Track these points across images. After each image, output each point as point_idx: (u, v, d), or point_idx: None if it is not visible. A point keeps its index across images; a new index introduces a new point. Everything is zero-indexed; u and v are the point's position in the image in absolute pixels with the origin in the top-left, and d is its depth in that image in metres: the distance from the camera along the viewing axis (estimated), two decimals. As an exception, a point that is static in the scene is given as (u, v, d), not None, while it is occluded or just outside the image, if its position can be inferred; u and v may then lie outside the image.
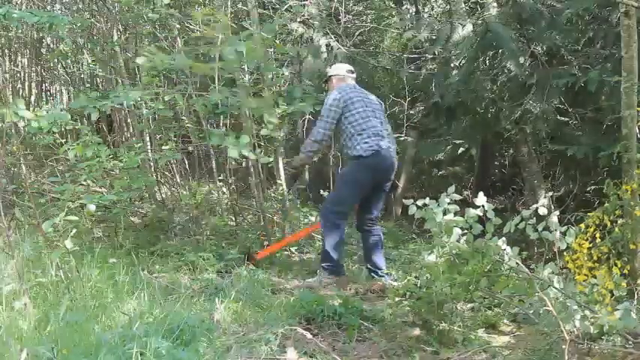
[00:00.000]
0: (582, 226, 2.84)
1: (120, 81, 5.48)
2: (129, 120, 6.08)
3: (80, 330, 2.47)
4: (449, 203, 2.99)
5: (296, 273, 4.26)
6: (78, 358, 2.17)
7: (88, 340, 2.36)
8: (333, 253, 3.94)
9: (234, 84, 4.65)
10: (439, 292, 2.84)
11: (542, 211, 2.92)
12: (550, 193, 4.54)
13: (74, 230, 3.19)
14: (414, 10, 7.50)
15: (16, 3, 6.97)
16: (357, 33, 7.28)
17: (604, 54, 5.17)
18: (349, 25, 7.14)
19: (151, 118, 5.43)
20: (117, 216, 4.72)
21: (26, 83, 8.00)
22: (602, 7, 5.17)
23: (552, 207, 4.11)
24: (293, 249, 4.90)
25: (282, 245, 4.59)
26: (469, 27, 6.18)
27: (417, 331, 2.89)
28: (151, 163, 5.33)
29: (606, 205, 2.81)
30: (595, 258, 2.78)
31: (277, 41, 5.49)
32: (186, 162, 6.18)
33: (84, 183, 4.54)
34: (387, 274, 4.08)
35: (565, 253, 2.88)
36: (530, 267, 3.11)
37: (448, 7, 6.95)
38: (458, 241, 2.91)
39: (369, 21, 7.91)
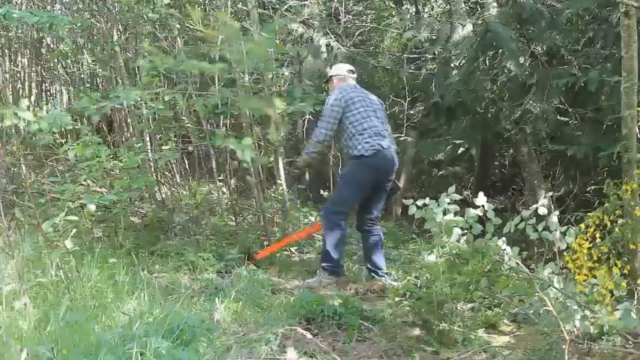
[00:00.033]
0: (582, 226, 2.84)
1: (120, 81, 5.48)
2: (129, 120, 6.08)
3: (80, 330, 2.47)
4: (449, 203, 2.99)
5: (296, 273, 4.26)
6: (78, 358, 2.17)
7: (88, 340, 2.36)
8: (333, 253, 3.94)
9: (234, 84, 4.65)
10: (439, 292, 2.84)
11: (542, 211, 2.91)
12: (550, 193, 4.54)
13: (74, 230, 3.19)
14: (414, 10, 7.50)
15: (16, 3, 6.97)
16: (357, 33, 7.28)
17: (604, 54, 5.17)
18: (349, 25, 7.14)
19: (151, 118, 5.43)
20: (117, 216, 4.72)
21: (26, 83, 8.00)
22: (602, 7, 5.17)
23: (552, 207, 4.11)
24: (293, 249, 4.90)
25: (282, 245, 4.59)
26: (469, 27, 6.18)
27: (417, 331, 2.89)
28: (151, 163, 5.34)
29: (606, 205, 2.81)
30: (595, 258, 2.78)
31: (277, 41, 5.49)
32: (186, 162, 6.18)
33: (84, 183, 4.54)
34: (387, 274, 4.08)
35: (565, 253, 2.88)
36: (530, 267, 3.11)
37: (448, 7, 6.95)
38: (458, 241, 2.91)
39: (369, 21, 7.91)
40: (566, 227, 2.90)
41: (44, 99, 8.56)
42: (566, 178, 6.51)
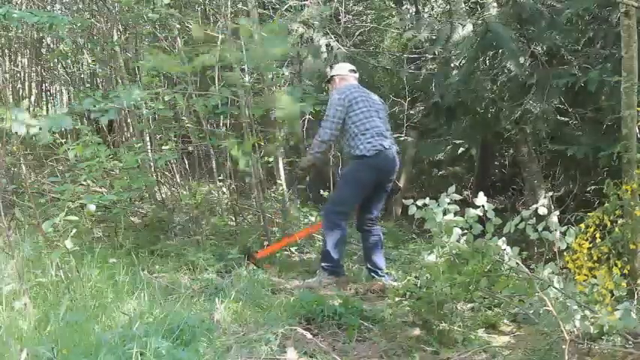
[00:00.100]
0: (582, 226, 2.84)
1: (120, 81, 5.49)
2: (129, 120, 6.08)
3: (80, 330, 2.47)
4: (449, 203, 2.99)
5: (296, 273, 4.26)
6: (78, 358, 2.17)
7: (88, 340, 2.36)
8: (333, 253, 3.94)
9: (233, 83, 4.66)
10: (439, 292, 2.84)
11: (542, 211, 2.92)
12: (550, 193, 4.54)
13: (74, 230, 3.19)
14: (414, 10, 7.50)
15: (16, 3, 6.97)
16: (357, 33, 7.28)
17: (604, 54, 5.17)
18: (349, 25, 7.14)
19: (151, 118, 5.43)
20: (117, 216, 4.72)
21: (26, 83, 8.00)
22: (602, 7, 5.17)
23: (552, 207, 4.10)
24: (293, 249, 4.90)
25: (282, 245, 4.59)
26: (469, 27, 6.18)
27: (417, 331, 2.89)
28: (151, 163, 5.34)
29: (606, 205, 2.81)
30: (595, 258, 2.77)
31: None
32: (186, 162, 6.18)
33: (84, 183, 4.54)
34: (387, 274, 4.08)
35: (565, 253, 2.88)
36: (530, 267, 3.11)
37: (448, 7, 6.95)
38: (458, 241, 2.91)
39: (369, 21, 7.91)
40: (566, 227, 2.91)
41: (44, 99, 8.57)
42: (566, 178, 6.51)
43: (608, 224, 2.80)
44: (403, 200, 3.43)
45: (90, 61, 7.18)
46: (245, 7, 5.43)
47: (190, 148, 5.99)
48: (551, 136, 5.72)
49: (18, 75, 7.87)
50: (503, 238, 2.90)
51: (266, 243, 4.63)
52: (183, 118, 5.27)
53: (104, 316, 2.73)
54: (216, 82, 4.62)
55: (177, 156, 5.14)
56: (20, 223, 3.99)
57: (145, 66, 4.84)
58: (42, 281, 3.00)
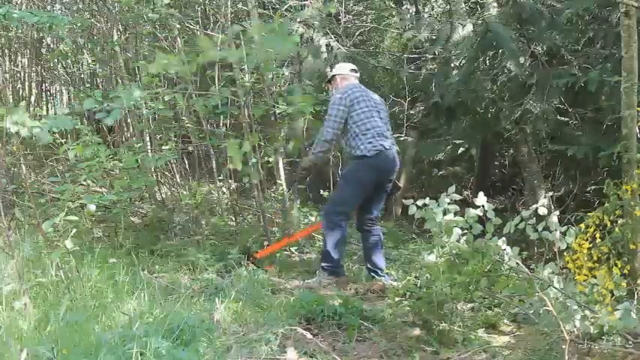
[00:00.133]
0: (582, 226, 2.84)
1: (120, 81, 5.49)
2: (129, 120, 6.08)
3: (80, 330, 2.47)
4: (449, 203, 2.99)
5: (296, 273, 4.26)
6: (78, 358, 2.17)
7: (88, 340, 2.36)
8: (333, 253, 3.94)
9: (233, 84, 4.66)
10: (439, 292, 2.84)
11: (542, 211, 2.92)
12: (550, 193, 4.54)
13: (74, 230, 3.19)
14: (414, 10, 7.50)
15: (16, 3, 6.97)
16: (357, 33, 7.28)
17: (604, 54, 5.17)
18: (349, 25, 7.14)
19: (151, 118, 5.43)
20: (117, 216, 4.72)
21: (26, 83, 8.01)
22: (602, 7, 5.17)
23: (552, 207, 4.11)
24: (293, 249, 4.90)
25: (282, 245, 4.59)
26: (469, 27, 6.18)
27: (417, 331, 2.89)
28: (151, 163, 5.33)
29: (606, 205, 2.81)
30: (595, 258, 2.78)
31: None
32: (186, 162, 6.18)
33: (84, 183, 4.54)
34: (386, 274, 4.08)
35: (565, 253, 2.88)
36: (530, 267, 3.11)
37: (448, 7, 6.95)
38: (458, 241, 2.91)
39: (369, 21, 7.91)
40: (566, 227, 2.91)
41: (44, 99, 8.57)
42: (566, 178, 6.51)
43: (608, 224, 2.80)
44: (403, 200, 3.43)
45: (90, 61, 7.18)
46: (245, 7, 5.44)
47: (190, 148, 5.99)
48: (551, 136, 5.72)
49: (18, 75, 7.88)
50: (503, 238, 2.90)
51: (266, 243, 4.63)
52: (183, 118, 5.27)
53: (104, 316, 2.73)
54: (216, 82, 4.62)
55: (177, 156, 5.13)
56: (20, 223, 3.99)
57: (144, 66, 4.85)
58: (42, 281, 3.00)
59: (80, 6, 7.65)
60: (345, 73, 4.26)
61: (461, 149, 7.30)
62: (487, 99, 5.78)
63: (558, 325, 2.39)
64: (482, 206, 2.96)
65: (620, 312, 2.47)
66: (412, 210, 3.07)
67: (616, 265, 2.75)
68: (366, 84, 4.72)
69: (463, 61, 6.09)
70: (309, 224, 5.30)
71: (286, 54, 4.60)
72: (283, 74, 5.48)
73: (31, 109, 7.56)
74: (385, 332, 2.91)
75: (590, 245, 2.79)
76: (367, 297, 3.71)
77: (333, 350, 2.63)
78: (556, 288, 2.77)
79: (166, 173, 5.85)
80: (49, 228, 3.11)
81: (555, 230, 2.89)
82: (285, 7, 5.72)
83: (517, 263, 2.81)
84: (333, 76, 4.32)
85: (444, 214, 2.98)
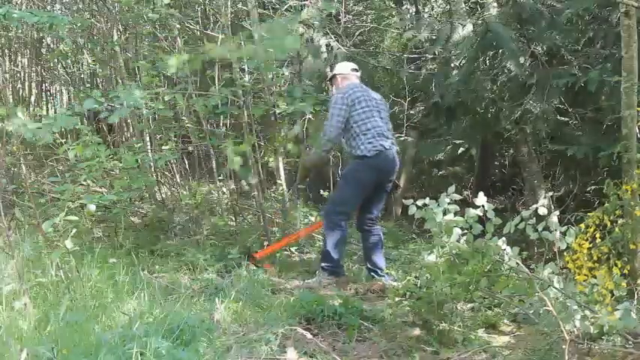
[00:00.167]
0: (582, 226, 2.84)
1: (120, 81, 5.49)
2: (129, 120, 6.08)
3: (80, 330, 2.47)
4: (449, 203, 2.99)
5: (296, 273, 4.26)
6: (78, 358, 2.17)
7: (88, 340, 2.36)
8: (333, 254, 3.94)
9: (233, 84, 4.66)
10: (439, 292, 2.84)
11: (542, 211, 2.92)
12: (550, 193, 4.54)
13: (74, 230, 3.19)
14: (414, 10, 7.49)
15: (16, 3, 6.96)
16: (357, 33, 7.28)
17: (604, 54, 5.17)
18: (349, 25, 7.14)
19: (151, 118, 5.43)
20: (117, 216, 4.72)
21: (26, 83, 8.00)
22: (602, 7, 5.16)
23: (552, 207, 4.10)
24: (293, 249, 4.90)
25: (282, 245, 4.59)
26: (469, 27, 6.18)
27: (417, 331, 2.89)
28: (151, 163, 5.34)
29: (606, 205, 2.81)
30: (595, 258, 2.77)
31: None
32: (186, 162, 6.18)
33: (84, 183, 4.54)
34: (386, 274, 4.08)
35: (565, 253, 2.88)
36: (530, 267, 3.11)
37: (448, 7, 6.95)
38: (458, 241, 2.91)
39: (369, 21, 7.91)
40: (566, 227, 2.91)
41: (44, 99, 8.56)
42: (566, 178, 6.51)
43: (608, 224, 2.80)
44: (403, 200, 3.43)
45: (90, 61, 7.18)
46: (245, 7, 5.44)
47: (190, 148, 5.99)
48: (551, 136, 5.72)
49: (18, 75, 7.87)
50: (503, 238, 2.90)
51: (266, 243, 4.63)
52: (183, 118, 5.27)
53: (104, 316, 2.73)
54: (216, 82, 4.62)
55: (177, 156, 5.13)
56: (20, 223, 3.99)
57: (144, 66, 4.85)
58: (42, 281, 3.00)
59: (80, 6, 7.64)
60: (346, 72, 4.26)
61: (461, 149, 7.30)
62: (487, 99, 5.78)
63: (558, 325, 2.39)
64: (482, 206, 2.96)
65: (620, 312, 2.47)
66: (412, 210, 3.07)
67: (616, 265, 2.75)
68: (366, 84, 4.72)
69: (463, 61, 6.08)
70: (309, 224, 5.30)
71: (292, 50, 4.57)
72: (283, 74, 5.48)
73: (31, 109, 7.57)
74: (385, 332, 2.91)
75: (590, 245, 2.79)
76: (367, 297, 3.71)
77: (333, 350, 2.63)
78: (556, 288, 2.77)
79: (166, 173, 5.85)
80: (49, 228, 3.11)
81: (555, 230, 2.89)
82: (285, 7, 5.72)
83: (517, 263, 2.81)
84: (334, 75, 4.31)
85: (444, 214, 2.98)
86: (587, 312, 2.58)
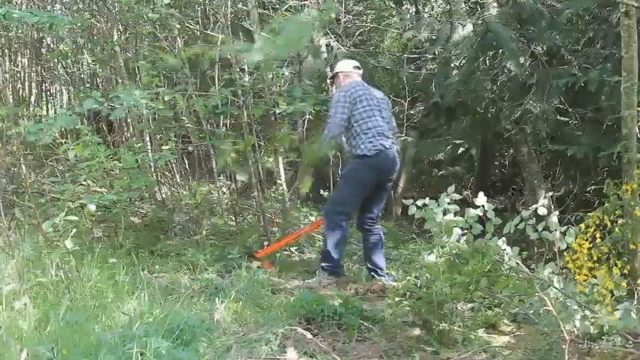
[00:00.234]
0: (582, 226, 2.84)
1: (120, 81, 5.49)
2: (129, 120, 6.08)
3: (80, 330, 2.47)
4: (449, 203, 2.99)
5: (296, 273, 4.26)
6: (78, 358, 2.17)
7: (88, 340, 2.36)
8: (334, 253, 3.94)
9: (233, 84, 4.66)
10: (439, 292, 2.84)
11: (542, 211, 2.91)
12: (550, 193, 4.54)
13: (74, 230, 3.19)
14: (414, 10, 7.50)
15: (16, 3, 6.96)
16: (357, 33, 7.28)
17: (604, 54, 5.17)
18: (349, 25, 7.14)
19: (151, 118, 5.43)
20: (117, 216, 4.72)
21: (26, 83, 8.00)
22: (602, 7, 5.17)
23: (552, 207, 4.11)
24: (293, 249, 4.90)
25: (282, 244, 4.59)
26: (469, 27, 6.18)
27: (417, 331, 2.89)
28: (151, 163, 5.34)
29: (606, 205, 2.81)
30: (595, 258, 2.77)
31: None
32: (186, 162, 6.18)
33: (84, 183, 4.54)
34: (386, 274, 4.08)
35: (565, 253, 2.88)
36: (530, 267, 3.11)
37: (448, 7, 6.95)
38: (458, 241, 2.91)
39: (369, 21, 7.91)
40: (566, 227, 2.90)
41: (44, 99, 8.56)
42: (566, 178, 6.51)
43: (608, 224, 2.80)
44: (403, 200, 3.43)
45: (90, 61, 7.18)
46: (245, 7, 5.43)
47: (190, 148, 5.99)
48: (551, 136, 5.72)
49: (18, 75, 7.87)
50: (503, 238, 2.90)
51: (266, 243, 4.63)
52: (183, 118, 5.27)
53: (104, 316, 2.73)
54: (216, 82, 4.62)
55: (177, 156, 5.13)
56: (20, 223, 3.99)
57: (144, 66, 4.85)
58: (42, 281, 3.00)
59: (80, 6, 7.64)
60: (348, 70, 4.25)
61: (461, 149, 7.30)
62: (487, 99, 5.78)
63: (558, 325, 2.39)
64: (483, 206, 2.96)
65: (620, 312, 2.47)
66: (412, 210, 3.07)
67: (616, 265, 2.75)
68: (367, 83, 4.72)
69: (463, 61, 6.08)
70: (309, 224, 5.30)
71: (305, 41, 4.55)
72: (283, 74, 5.48)
73: (31, 109, 7.57)
74: (385, 332, 2.91)
75: (590, 245, 2.79)
76: (367, 297, 3.71)
77: (333, 350, 2.63)
78: (556, 288, 2.77)
79: (166, 173, 5.85)
80: (49, 228, 3.11)
81: (555, 230, 2.89)
82: (285, 7, 5.72)
83: (517, 263, 2.81)
84: (336, 73, 4.31)
85: (444, 214, 2.98)
86: (587, 312, 2.58)
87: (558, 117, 5.56)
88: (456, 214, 2.98)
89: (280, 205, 5.31)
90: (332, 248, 3.94)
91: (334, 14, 5.44)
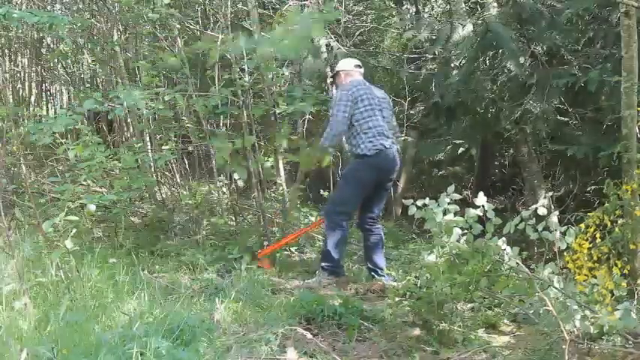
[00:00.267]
0: (582, 226, 2.84)
1: (120, 81, 5.49)
2: (129, 120, 6.08)
3: (80, 330, 2.47)
4: (449, 203, 2.99)
5: (296, 273, 4.26)
6: (78, 358, 2.17)
7: (88, 340, 2.36)
8: (334, 253, 3.94)
9: (233, 84, 4.66)
10: (439, 292, 2.84)
11: (542, 211, 2.92)
12: (550, 193, 4.54)
13: (74, 230, 3.20)
14: (414, 10, 7.49)
15: (16, 3, 6.96)
16: (357, 33, 7.28)
17: (604, 54, 5.17)
18: (349, 25, 7.14)
19: (151, 118, 5.43)
20: (117, 216, 4.72)
21: (26, 83, 8.00)
22: (602, 7, 5.16)
23: (552, 207, 4.11)
24: (293, 249, 4.90)
25: (282, 244, 4.59)
26: (469, 27, 6.18)
27: (417, 331, 2.89)
28: (151, 163, 5.34)
29: (606, 205, 2.81)
30: (595, 258, 2.78)
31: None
32: (186, 162, 6.18)
33: (84, 183, 4.54)
34: (387, 274, 4.08)
35: (565, 253, 2.88)
36: (530, 267, 3.11)
37: (448, 7, 6.95)
38: (458, 241, 2.91)
39: (369, 21, 7.91)
40: (566, 227, 2.90)
41: (44, 99, 8.56)
42: (566, 178, 6.51)
43: (608, 224, 2.80)
44: (403, 200, 3.43)
45: (90, 61, 7.18)
46: (245, 7, 5.43)
47: (190, 148, 5.99)
48: (551, 136, 5.72)
49: (18, 75, 7.87)
50: (503, 238, 2.90)
51: (266, 243, 4.63)
52: (183, 118, 5.27)
53: (104, 316, 2.73)
54: (216, 82, 4.62)
55: (177, 156, 5.13)
56: (20, 223, 3.99)
57: (144, 66, 4.85)
58: (42, 281, 3.00)
59: (80, 6, 7.64)
60: (350, 68, 4.25)
61: (461, 149, 7.30)
62: (487, 99, 5.78)
63: (558, 325, 2.39)
64: (483, 206, 2.96)
65: (620, 312, 2.47)
66: (412, 210, 3.07)
67: (616, 265, 2.75)
68: (369, 82, 4.72)
69: (463, 61, 6.08)
70: (309, 224, 5.30)
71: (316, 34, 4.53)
72: (283, 74, 5.48)
73: (31, 109, 7.58)
74: (385, 332, 2.91)
75: (590, 245, 2.79)
76: (367, 297, 3.71)
77: (333, 350, 2.63)
78: (556, 288, 2.77)
79: (166, 173, 5.85)
80: (49, 228, 3.11)
81: (555, 230, 2.89)
82: (286, 7, 5.72)
83: (517, 263, 2.81)
84: (337, 71, 4.30)
85: (444, 214, 2.98)
86: (587, 312, 2.58)
87: (558, 117, 5.56)
88: (456, 214, 2.98)
89: (280, 205, 5.31)
90: (332, 248, 3.94)
91: (339, 15, 5.44)
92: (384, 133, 3.99)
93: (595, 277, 2.73)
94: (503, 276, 2.81)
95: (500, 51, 5.59)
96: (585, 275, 2.76)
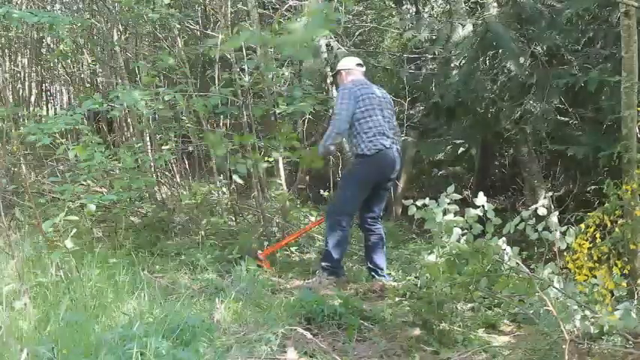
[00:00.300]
0: (582, 226, 2.84)
1: (120, 81, 5.49)
2: (129, 120, 6.08)
3: (80, 330, 2.47)
4: (449, 203, 2.99)
5: (296, 273, 4.26)
6: (78, 358, 2.17)
7: (88, 340, 2.36)
8: (334, 253, 3.94)
9: (233, 84, 4.66)
10: (439, 292, 2.84)
11: (542, 211, 2.91)
12: (550, 193, 4.54)
13: (74, 230, 3.20)
14: (414, 10, 7.50)
15: (16, 3, 6.97)
16: (357, 33, 7.28)
17: (604, 54, 5.16)
18: (349, 25, 7.14)
19: (151, 118, 5.43)
20: (117, 216, 4.72)
21: (26, 83, 8.01)
22: (602, 7, 5.16)
23: (552, 207, 4.10)
24: (293, 249, 4.90)
25: (283, 244, 4.59)
26: (469, 27, 6.18)
27: (417, 331, 2.89)
28: (151, 163, 5.34)
29: (606, 205, 2.81)
30: (595, 258, 2.77)
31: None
32: (187, 162, 6.18)
33: (84, 183, 4.54)
34: (387, 274, 4.08)
35: (565, 253, 2.88)
36: (530, 267, 3.11)
37: (448, 7, 6.96)
38: (458, 241, 2.91)
39: (369, 21, 7.91)
40: (566, 227, 2.90)
41: (44, 99, 8.57)
42: (566, 178, 6.51)
43: (608, 224, 2.80)
44: (403, 200, 3.43)
45: (90, 61, 7.19)
46: (245, 7, 5.43)
47: (190, 148, 5.99)
48: (551, 136, 5.71)
49: (18, 75, 7.88)
50: (504, 238, 2.89)
51: (266, 243, 4.63)
52: (183, 118, 5.27)
53: (104, 316, 2.73)
54: (216, 82, 4.62)
55: (177, 156, 5.13)
56: (20, 223, 3.99)
57: (145, 67, 4.85)
58: (42, 281, 3.00)
59: (80, 6, 7.66)
60: (351, 67, 4.24)
61: (461, 149, 7.29)
62: (487, 99, 5.77)
63: (558, 325, 2.39)
64: (483, 206, 2.96)
65: (620, 312, 2.47)
66: (412, 210, 3.07)
67: (616, 265, 2.75)
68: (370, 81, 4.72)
69: (463, 61, 6.08)
70: (309, 224, 5.30)
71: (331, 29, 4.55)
72: (283, 74, 5.49)
73: (31, 109, 7.58)
74: (385, 332, 2.91)
75: (590, 245, 2.79)
76: (367, 297, 3.71)
77: (333, 350, 2.64)
78: (556, 288, 2.77)
79: (166, 173, 5.85)
80: (49, 228, 3.11)
81: (555, 230, 2.89)
82: (286, 7, 5.72)
83: (517, 263, 2.81)
84: (338, 70, 4.30)
85: (444, 214, 2.98)
86: (587, 312, 2.58)
87: (558, 117, 5.55)
88: (456, 214, 2.97)
89: (280, 205, 5.31)
90: (332, 248, 3.94)
91: (343, 17, 5.43)
92: (384, 132, 3.99)
93: (595, 277, 2.73)
94: (503, 276, 2.80)
95: (500, 51, 5.59)
96: (585, 275, 2.76)
